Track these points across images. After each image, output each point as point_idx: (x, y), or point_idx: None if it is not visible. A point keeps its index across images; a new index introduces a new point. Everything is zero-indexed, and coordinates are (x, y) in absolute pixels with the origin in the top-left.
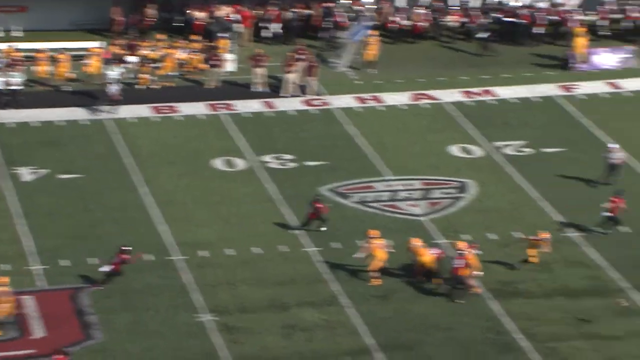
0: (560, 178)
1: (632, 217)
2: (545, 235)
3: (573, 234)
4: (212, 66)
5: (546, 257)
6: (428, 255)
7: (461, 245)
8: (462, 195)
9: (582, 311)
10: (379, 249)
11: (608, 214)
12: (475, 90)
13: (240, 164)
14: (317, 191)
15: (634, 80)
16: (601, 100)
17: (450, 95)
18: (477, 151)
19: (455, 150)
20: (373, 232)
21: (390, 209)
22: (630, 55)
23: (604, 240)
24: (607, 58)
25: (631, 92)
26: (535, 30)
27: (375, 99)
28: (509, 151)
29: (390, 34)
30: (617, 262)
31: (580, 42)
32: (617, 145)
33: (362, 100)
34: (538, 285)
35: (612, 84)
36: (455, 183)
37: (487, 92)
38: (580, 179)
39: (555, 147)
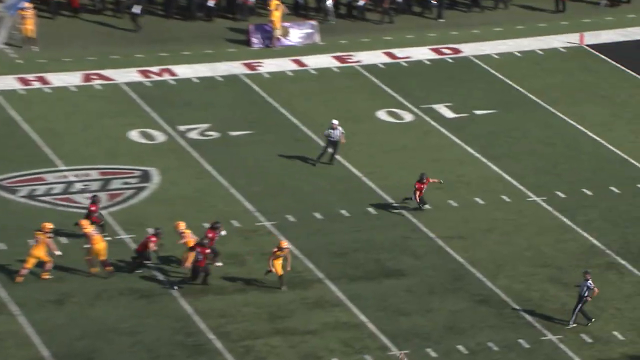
0: (248, 162)
1: (322, 204)
2: (284, 244)
3: (266, 222)
4: None
5: (238, 248)
6: (101, 242)
7: (183, 227)
8: (145, 184)
9: (277, 305)
10: (36, 249)
11: (417, 198)
12: (153, 69)
13: None
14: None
15: (317, 57)
16: (286, 79)
17: (125, 75)
18: (158, 136)
19: (134, 135)
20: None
21: (65, 203)
22: (312, 31)
23: (296, 229)
24: (290, 34)
25: (315, 69)
26: (209, 3)
27: (41, 79)
28: (193, 135)
29: (48, 8)
30: (310, 251)
31: (277, 16)
32: (337, 122)
33: (26, 81)
34: (230, 280)
35: (296, 61)
36: (136, 172)
37: (166, 71)
38: (270, 162)
39: (242, 129)
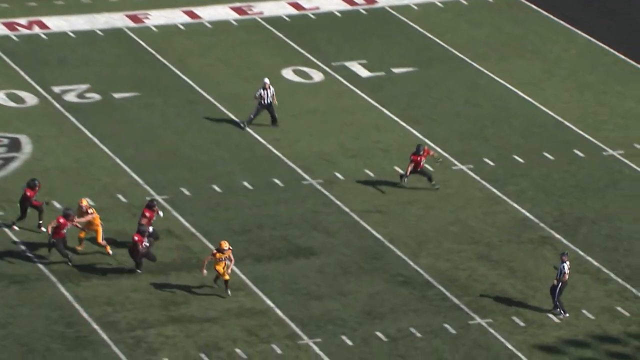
0: (135, 128)
1: (221, 175)
2: (225, 244)
3: (158, 197)
4: None
5: (126, 226)
6: None
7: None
8: (14, 154)
9: (171, 290)
10: None
11: (407, 172)
12: (20, 21)
13: None
14: None
15: (212, 8)
16: (177, 33)
17: None
18: (29, 98)
19: (0, 97)
20: None
21: None
22: None
23: (192, 204)
24: None
25: (210, 22)
26: None
27: None
28: (70, 97)
29: None
30: (208, 229)
31: None
32: (268, 81)
33: None
34: (116, 262)
35: (188, 13)
36: (4, 140)
37: (36, 23)
38: (161, 128)
39: (127, 90)
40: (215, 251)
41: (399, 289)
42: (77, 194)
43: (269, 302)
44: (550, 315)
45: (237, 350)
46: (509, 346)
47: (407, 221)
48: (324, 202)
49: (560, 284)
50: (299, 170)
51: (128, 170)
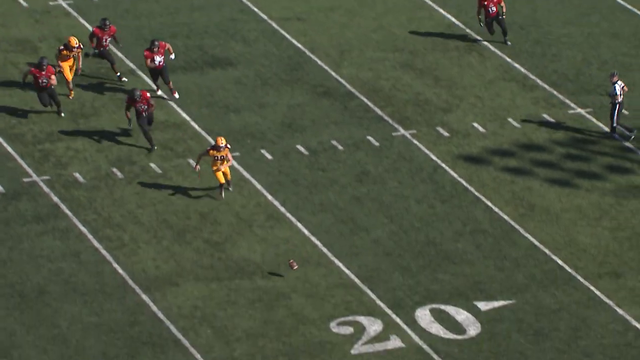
0: None
1: None
2: (222, 141)
3: (62, 1)
4: None
5: (28, 33)
6: None
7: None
8: None
9: (80, 102)
10: None
11: (478, 14)
12: None
13: None
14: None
15: None
16: None
17: None
18: None
19: None
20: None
21: None
22: None
23: (99, 10)
24: None
25: None
26: None
27: None
28: None
29: None
30: (116, 34)
31: None
32: None
33: None
34: (18, 72)
35: None
36: None
37: None
38: None
39: None
40: (209, 148)
41: (320, 101)
42: None
43: (184, 115)
44: (475, 125)
45: (152, 165)
46: (433, 157)
47: (328, 29)
48: (241, 9)
49: (617, 105)
50: None
51: None
